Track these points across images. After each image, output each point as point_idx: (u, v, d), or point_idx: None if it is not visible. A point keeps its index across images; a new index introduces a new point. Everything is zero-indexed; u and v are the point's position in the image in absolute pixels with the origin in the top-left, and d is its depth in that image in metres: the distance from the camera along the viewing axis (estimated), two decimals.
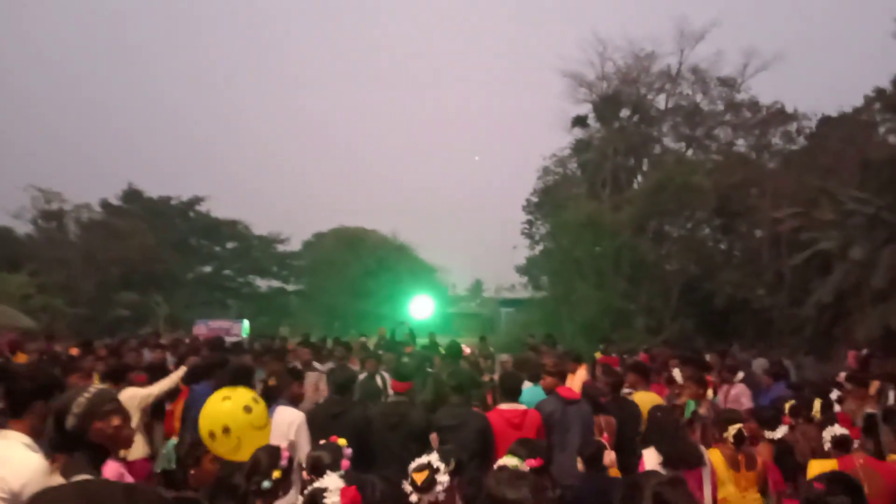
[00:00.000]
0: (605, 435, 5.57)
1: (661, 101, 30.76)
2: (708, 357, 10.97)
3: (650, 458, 4.23)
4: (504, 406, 5.26)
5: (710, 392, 7.14)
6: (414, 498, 2.91)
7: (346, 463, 3.22)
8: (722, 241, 28.19)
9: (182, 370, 6.91)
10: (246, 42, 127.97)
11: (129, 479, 3.92)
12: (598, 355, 12.58)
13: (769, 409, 5.10)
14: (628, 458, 5.12)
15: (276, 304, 43.02)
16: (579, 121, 31.19)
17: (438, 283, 44.88)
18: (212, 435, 3.61)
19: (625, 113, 30.32)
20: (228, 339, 17.33)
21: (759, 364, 13.04)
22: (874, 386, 7.80)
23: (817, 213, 20.01)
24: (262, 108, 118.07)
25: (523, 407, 5.30)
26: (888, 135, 21.40)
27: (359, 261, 38.83)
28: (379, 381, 7.22)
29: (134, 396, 6.13)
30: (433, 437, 4.84)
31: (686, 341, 19.60)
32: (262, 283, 44.66)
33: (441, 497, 2.91)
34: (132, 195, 40.80)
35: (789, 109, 28.28)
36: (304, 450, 4.59)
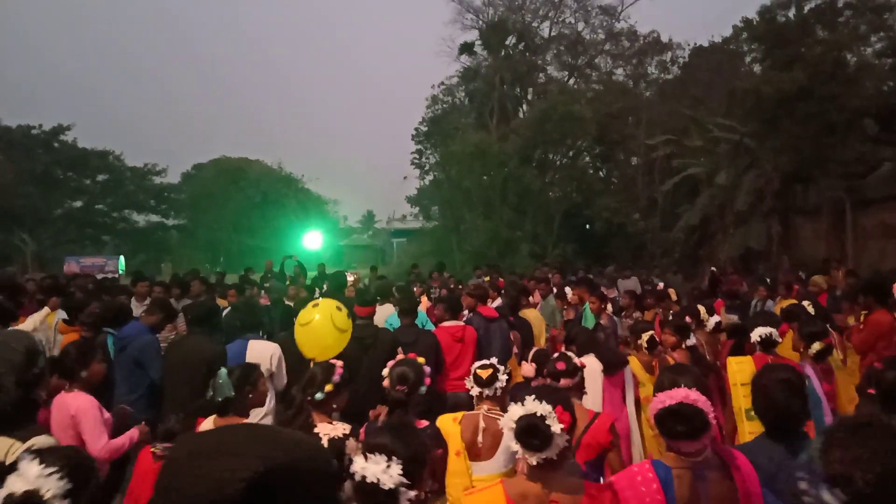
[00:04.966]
0: (515, 348, 6.47)
1: (545, 30, 31.01)
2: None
3: (593, 363, 4.59)
4: (447, 323, 5.99)
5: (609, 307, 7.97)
6: (475, 391, 3.55)
7: (427, 380, 3.45)
8: (601, 169, 29.34)
9: (45, 311, 6.51)
10: None
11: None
12: (490, 279, 13.08)
13: (684, 322, 5.60)
14: None
15: (156, 240, 41.00)
16: (466, 48, 30.93)
17: (329, 216, 44.25)
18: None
19: (511, 41, 30.33)
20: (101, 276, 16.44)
21: (632, 283, 13.93)
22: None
23: (687, 140, 21.12)
24: (133, 27, 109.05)
25: (462, 323, 6.06)
26: (753, 64, 22.56)
27: (242, 193, 37.45)
28: None
29: None
30: (399, 350, 5.25)
31: (567, 265, 20.45)
32: (140, 218, 42.20)
33: (498, 393, 3.53)
34: None
35: (665, 39, 29.27)
36: (282, 379, 5.01)
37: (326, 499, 0.88)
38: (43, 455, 1.91)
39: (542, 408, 2.29)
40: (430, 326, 6.64)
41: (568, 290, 9.24)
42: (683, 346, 5.28)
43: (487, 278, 13.17)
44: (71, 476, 1.87)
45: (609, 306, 7.97)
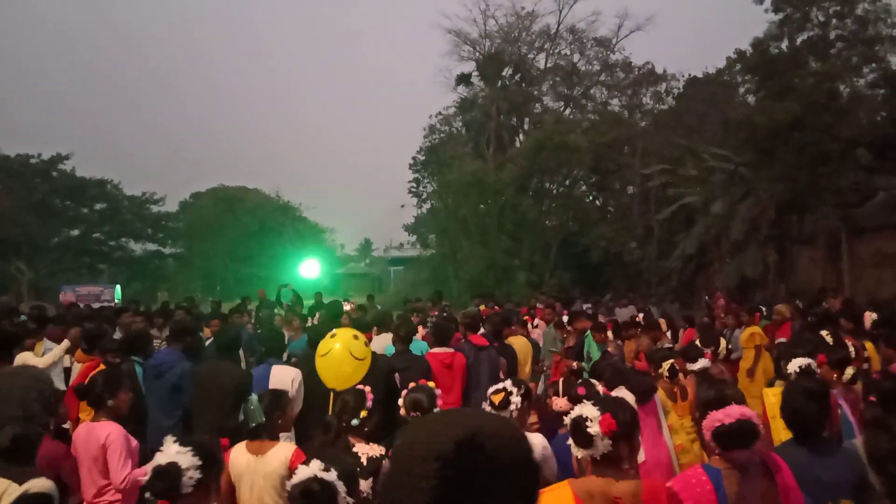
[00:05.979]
0: (501, 375, 6.37)
1: (540, 61, 31.46)
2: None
3: (626, 396, 4.50)
4: (436, 350, 6.12)
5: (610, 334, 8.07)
6: None
7: (440, 402, 3.73)
8: (597, 198, 29.49)
9: (66, 344, 6.49)
10: None
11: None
12: (481, 308, 13.05)
13: (694, 347, 5.70)
14: None
15: (152, 269, 40.89)
16: (463, 78, 31.32)
17: (326, 244, 44.30)
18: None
19: (507, 72, 30.74)
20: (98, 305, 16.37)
21: (628, 312, 13.84)
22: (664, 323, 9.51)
23: (682, 170, 21.23)
24: (129, 57, 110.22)
25: (451, 350, 6.15)
26: (747, 95, 22.81)
27: (239, 222, 37.50)
28: None
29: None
30: (396, 376, 5.41)
31: (564, 294, 20.41)
32: (137, 247, 42.01)
33: (515, 414, 3.56)
34: None
35: (659, 70, 29.67)
36: (299, 403, 5.10)
37: (522, 463, 1.10)
38: (180, 438, 2.58)
39: (590, 411, 2.53)
40: None
41: (565, 317, 9.30)
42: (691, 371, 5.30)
43: (483, 307, 13.18)
44: (201, 456, 2.50)
45: (610, 333, 8.07)
